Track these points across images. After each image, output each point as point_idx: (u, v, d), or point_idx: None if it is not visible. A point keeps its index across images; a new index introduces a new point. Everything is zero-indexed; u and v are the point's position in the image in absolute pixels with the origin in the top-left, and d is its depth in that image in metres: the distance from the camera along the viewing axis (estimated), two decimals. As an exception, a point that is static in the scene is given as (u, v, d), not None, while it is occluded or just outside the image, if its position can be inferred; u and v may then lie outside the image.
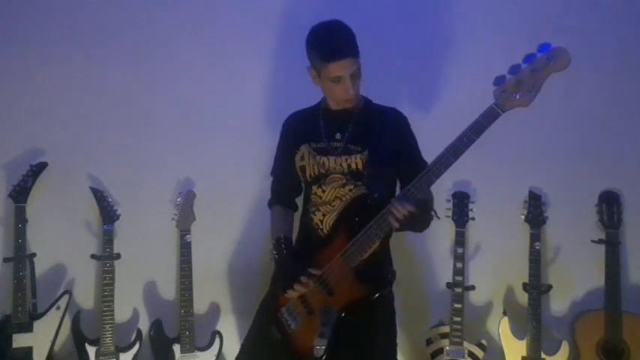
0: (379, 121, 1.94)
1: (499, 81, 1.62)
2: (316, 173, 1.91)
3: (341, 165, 1.88)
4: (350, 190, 1.88)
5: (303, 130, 1.98)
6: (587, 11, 2.62)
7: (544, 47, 1.59)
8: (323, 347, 1.68)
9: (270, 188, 2.14)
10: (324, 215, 1.90)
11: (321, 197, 1.91)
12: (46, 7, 2.59)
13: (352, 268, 1.77)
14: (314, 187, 1.93)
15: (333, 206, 1.88)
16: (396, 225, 1.68)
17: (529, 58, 1.60)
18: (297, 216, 2.09)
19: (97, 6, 2.61)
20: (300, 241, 2.00)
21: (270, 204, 2.13)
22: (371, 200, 1.83)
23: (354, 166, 1.87)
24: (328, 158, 1.90)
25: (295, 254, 1.91)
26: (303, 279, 1.78)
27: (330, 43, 1.77)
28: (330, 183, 1.89)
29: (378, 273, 1.84)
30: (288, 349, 1.84)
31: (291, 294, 1.82)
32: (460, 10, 2.65)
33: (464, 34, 2.65)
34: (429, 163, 1.73)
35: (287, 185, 2.09)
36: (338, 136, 1.91)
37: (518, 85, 1.60)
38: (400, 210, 1.65)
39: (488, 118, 1.63)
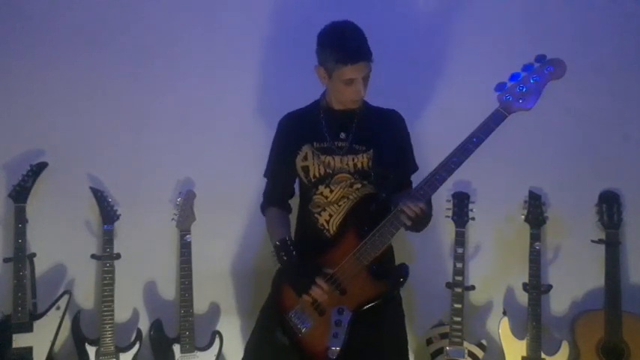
0: (382, 122, 1.94)
1: (501, 87, 1.70)
2: (322, 173, 1.89)
3: (347, 164, 1.87)
4: (357, 190, 1.87)
5: (303, 130, 1.95)
6: (587, 12, 2.62)
7: (540, 58, 1.68)
8: (338, 348, 1.68)
9: (264, 191, 2.07)
10: (330, 216, 1.88)
11: (327, 197, 1.89)
12: (47, 7, 2.59)
13: (364, 266, 1.76)
14: (320, 188, 1.90)
15: (340, 206, 1.88)
16: (408, 223, 1.70)
17: (528, 68, 1.69)
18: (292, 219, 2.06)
19: (97, 7, 2.61)
20: (303, 244, 1.94)
21: (264, 207, 2.07)
22: (379, 199, 1.83)
23: (360, 165, 1.87)
24: (333, 158, 1.89)
25: (304, 256, 1.86)
26: (319, 281, 1.76)
27: (348, 46, 1.75)
28: (337, 183, 1.88)
29: (389, 269, 1.83)
30: (296, 353, 1.80)
31: (308, 298, 1.79)
32: (461, 11, 2.65)
33: (464, 35, 2.65)
34: (434, 165, 1.74)
35: (283, 187, 2.05)
36: (342, 135, 1.90)
37: (520, 90, 1.68)
38: (413, 208, 1.68)
39: (495, 120, 1.69)
